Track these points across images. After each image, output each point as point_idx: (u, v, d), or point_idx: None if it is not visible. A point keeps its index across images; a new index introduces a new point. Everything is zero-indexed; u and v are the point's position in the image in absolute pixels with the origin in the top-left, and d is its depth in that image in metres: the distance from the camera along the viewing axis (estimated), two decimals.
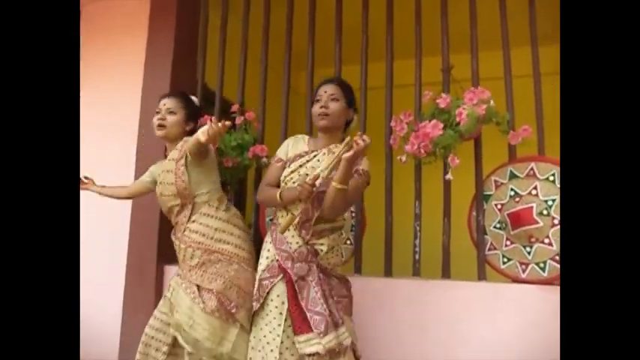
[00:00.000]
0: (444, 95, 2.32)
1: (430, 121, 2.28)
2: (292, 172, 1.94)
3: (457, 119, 2.22)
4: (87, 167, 2.70)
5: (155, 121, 2.19)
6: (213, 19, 3.16)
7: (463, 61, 2.56)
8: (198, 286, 2.01)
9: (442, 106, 2.29)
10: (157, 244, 2.72)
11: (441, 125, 2.24)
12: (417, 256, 2.49)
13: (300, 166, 1.94)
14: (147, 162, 2.64)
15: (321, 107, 1.94)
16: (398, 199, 2.61)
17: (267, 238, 1.99)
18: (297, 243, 1.87)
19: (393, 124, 2.42)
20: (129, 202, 2.85)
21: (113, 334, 2.74)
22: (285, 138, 2.83)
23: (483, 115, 2.23)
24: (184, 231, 2.09)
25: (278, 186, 1.97)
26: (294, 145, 2.06)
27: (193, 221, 2.08)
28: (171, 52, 2.94)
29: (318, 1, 2.97)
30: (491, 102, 2.29)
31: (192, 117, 2.28)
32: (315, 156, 1.95)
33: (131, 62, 3.06)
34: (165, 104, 2.20)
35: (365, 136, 1.67)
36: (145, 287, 2.70)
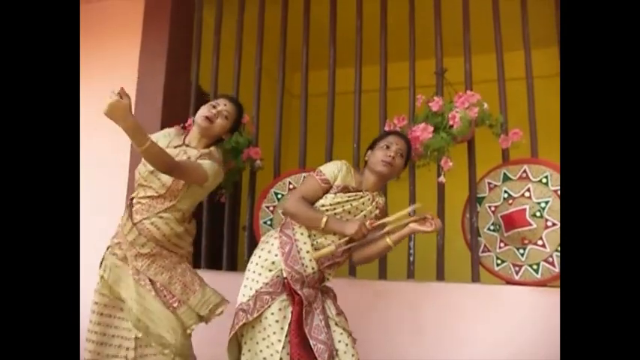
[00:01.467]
0: (436, 98, 2.34)
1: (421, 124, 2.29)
2: (338, 203, 1.87)
3: (450, 122, 2.24)
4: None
5: (205, 111, 2.08)
6: (208, 19, 3.16)
7: (456, 64, 2.58)
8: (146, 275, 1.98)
9: (435, 109, 2.31)
10: None
11: (431, 128, 2.25)
12: (411, 259, 2.50)
13: (347, 200, 1.88)
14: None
15: (390, 157, 1.91)
16: (392, 201, 2.61)
17: (273, 249, 1.88)
18: (313, 268, 1.83)
19: (386, 128, 2.43)
20: (122, 199, 2.82)
21: None
22: (280, 139, 2.86)
23: (476, 117, 2.25)
24: (145, 219, 1.99)
25: (312, 204, 1.90)
26: (345, 174, 1.94)
27: (161, 217, 2.00)
28: (165, 53, 2.93)
29: (313, 3, 2.98)
30: (485, 105, 2.31)
31: (234, 130, 2.24)
32: (361, 197, 1.91)
33: (125, 63, 3.04)
34: (225, 105, 2.11)
35: (438, 221, 1.82)
36: None
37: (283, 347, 1.71)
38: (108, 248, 2.06)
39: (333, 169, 1.93)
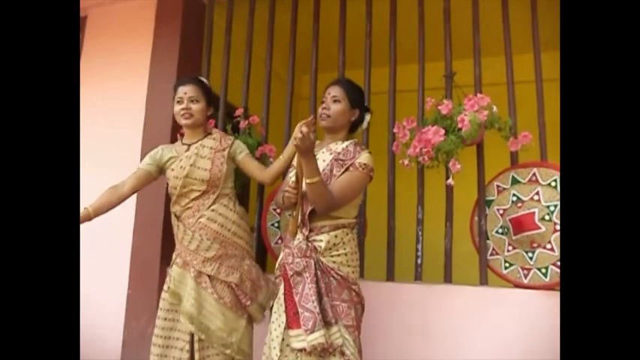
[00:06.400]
0: (445, 101, 2.33)
1: (432, 126, 2.29)
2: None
3: (459, 125, 2.23)
4: (88, 170, 2.71)
5: (178, 110, 2.19)
6: (219, 22, 3.19)
7: (466, 66, 2.57)
8: (209, 277, 2.05)
9: (444, 112, 2.30)
10: (160, 245, 2.73)
11: (443, 131, 2.24)
12: (419, 261, 2.50)
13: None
14: None
15: (323, 109, 1.99)
16: (400, 204, 2.62)
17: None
18: (298, 239, 1.88)
19: (395, 130, 2.43)
20: (133, 202, 2.86)
21: (115, 336, 2.74)
22: (289, 142, 2.88)
23: (485, 120, 2.24)
24: (200, 217, 2.10)
25: None
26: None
27: (213, 210, 2.12)
28: (176, 57, 2.96)
29: (323, 6, 2.99)
30: (494, 108, 2.30)
31: (212, 102, 2.31)
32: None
33: (136, 67, 3.08)
34: (186, 93, 2.19)
35: (301, 129, 1.67)
36: (147, 289, 2.71)
37: (285, 328, 1.79)
38: (172, 262, 2.17)
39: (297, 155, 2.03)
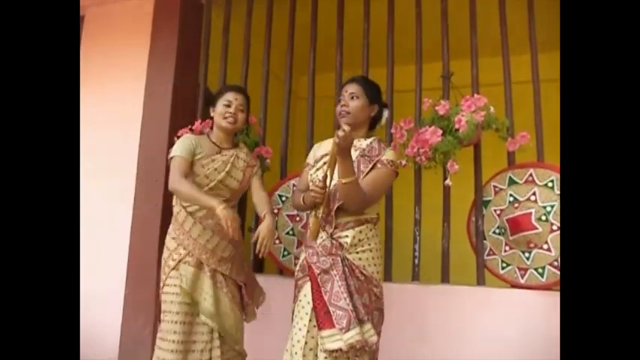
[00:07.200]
0: (443, 102, 2.34)
1: (430, 127, 2.30)
2: (317, 170, 1.95)
3: (456, 126, 2.24)
4: (87, 171, 2.70)
5: (224, 113, 2.18)
6: (216, 22, 3.19)
7: (463, 67, 2.58)
8: (223, 275, 2.08)
9: (441, 113, 2.31)
10: (157, 244, 2.72)
11: (440, 132, 2.25)
12: (416, 261, 2.50)
13: (325, 163, 1.93)
14: (149, 164, 2.66)
15: (342, 106, 1.99)
16: (398, 204, 2.62)
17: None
18: (322, 237, 1.85)
19: (393, 130, 2.43)
20: (130, 203, 2.86)
21: (115, 336, 2.73)
22: (287, 142, 2.89)
23: (482, 121, 2.25)
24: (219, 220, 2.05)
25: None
26: (319, 147, 2.09)
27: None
28: (174, 56, 2.95)
29: (320, 6, 2.99)
30: (491, 109, 2.31)
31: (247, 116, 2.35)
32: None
33: (133, 67, 3.07)
34: (237, 99, 2.21)
35: (343, 128, 1.69)
36: (145, 289, 2.70)
37: (308, 331, 1.74)
38: (178, 262, 2.07)
39: (311, 151, 2.15)
